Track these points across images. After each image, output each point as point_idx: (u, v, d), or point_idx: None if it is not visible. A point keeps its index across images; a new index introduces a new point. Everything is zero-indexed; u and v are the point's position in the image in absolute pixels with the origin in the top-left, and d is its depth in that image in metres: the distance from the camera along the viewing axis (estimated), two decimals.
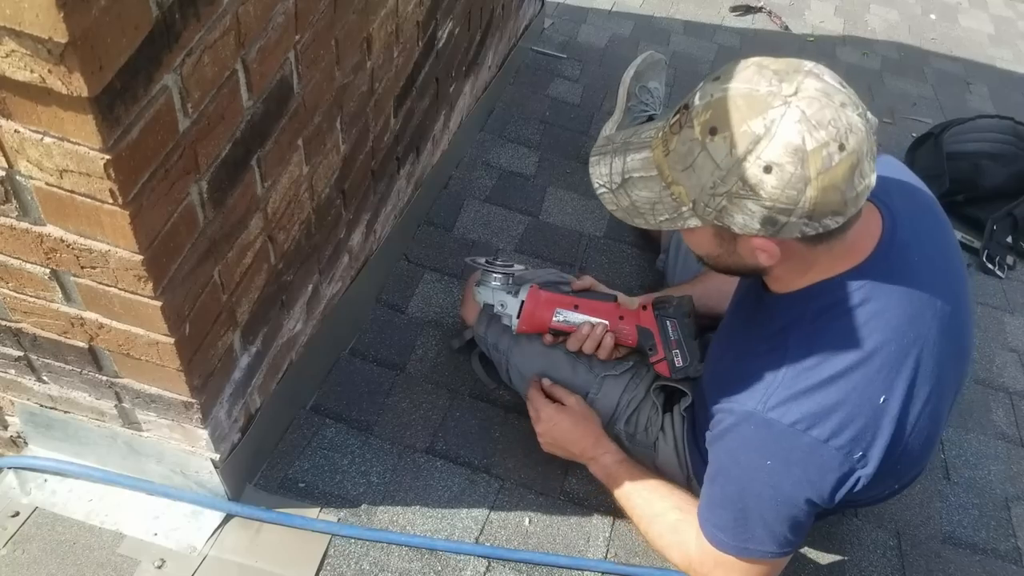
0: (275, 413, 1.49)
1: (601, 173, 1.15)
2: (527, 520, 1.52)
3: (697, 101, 1.01)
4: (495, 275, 1.59)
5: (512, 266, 1.62)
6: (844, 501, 1.13)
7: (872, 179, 0.99)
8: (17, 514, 1.37)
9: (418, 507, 1.50)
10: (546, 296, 1.55)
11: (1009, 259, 2.37)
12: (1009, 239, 2.39)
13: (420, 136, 1.89)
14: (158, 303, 1.01)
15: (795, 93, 0.95)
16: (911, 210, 1.17)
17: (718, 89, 0.99)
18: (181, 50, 0.88)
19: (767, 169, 0.95)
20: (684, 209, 1.06)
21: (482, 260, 1.62)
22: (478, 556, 1.44)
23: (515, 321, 1.56)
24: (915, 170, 1.29)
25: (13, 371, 1.26)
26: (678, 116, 1.04)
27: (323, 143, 1.35)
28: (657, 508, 1.37)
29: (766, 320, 1.19)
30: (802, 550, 1.56)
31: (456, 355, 1.78)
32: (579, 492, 1.57)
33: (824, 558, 1.56)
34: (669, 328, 1.48)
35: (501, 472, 1.57)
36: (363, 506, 1.47)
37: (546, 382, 1.55)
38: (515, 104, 2.57)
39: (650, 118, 2.15)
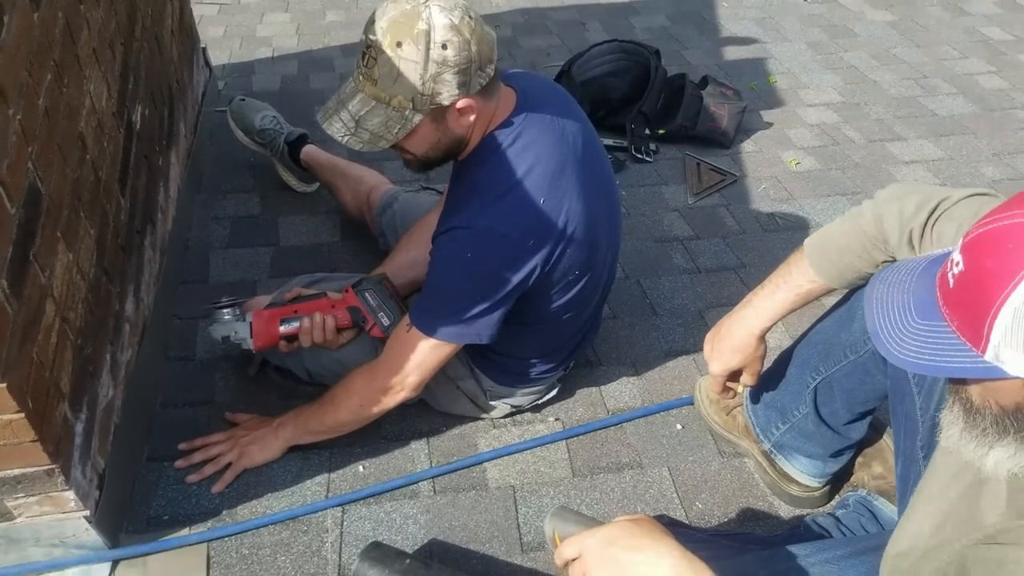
0: (119, 469, 1.70)
1: (337, 128, 1.51)
2: (361, 468, 1.84)
3: (374, 37, 1.40)
4: (224, 310, 1.88)
5: (235, 300, 1.90)
6: (541, 287, 1.58)
7: (493, 33, 1.47)
8: None
9: (270, 494, 1.77)
10: (268, 312, 1.87)
11: (652, 145, 2.97)
12: (647, 131, 3.00)
13: (150, 209, 2.13)
14: (3, 384, 1.23)
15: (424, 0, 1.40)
16: (536, 88, 1.64)
17: (381, 22, 1.40)
18: None
19: (444, 46, 1.38)
20: (407, 112, 1.45)
21: (210, 305, 1.91)
22: (332, 507, 1.74)
23: (250, 341, 1.85)
24: None
25: None
26: (365, 58, 1.43)
27: (76, 231, 1.59)
28: (348, 394, 1.73)
29: (462, 180, 1.61)
30: (567, 401, 2.00)
31: (255, 377, 2.05)
32: (393, 432, 1.91)
33: (585, 403, 2.01)
34: (369, 298, 1.84)
35: (326, 444, 1.86)
36: (223, 512, 1.73)
37: (230, 416, 1.91)
38: (221, 161, 2.84)
39: (283, 137, 2.62)
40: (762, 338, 1.55)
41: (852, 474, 1.78)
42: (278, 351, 1.90)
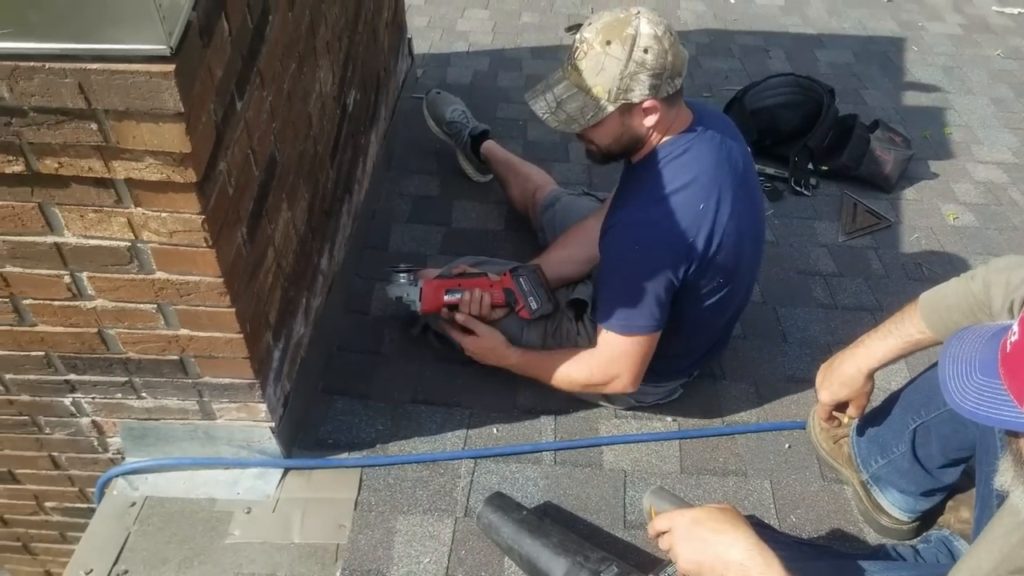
0: (299, 395, 2.03)
1: (540, 107, 1.79)
2: (495, 430, 2.10)
3: (587, 35, 1.67)
4: (400, 275, 2.17)
5: (411, 267, 2.20)
6: (687, 287, 1.78)
7: (686, 52, 1.70)
8: (134, 504, 1.88)
9: (417, 438, 2.06)
10: (436, 282, 2.15)
11: (813, 180, 3.08)
12: (809, 165, 3.10)
13: (350, 180, 2.47)
14: (233, 309, 1.56)
15: (636, 12, 1.65)
16: (709, 114, 1.87)
17: (596, 24, 1.67)
18: (225, 147, 1.45)
19: (646, 51, 1.63)
20: (603, 102, 1.70)
21: (389, 268, 2.21)
22: (466, 458, 2.02)
23: (418, 304, 2.14)
24: None
25: (120, 394, 1.78)
26: (576, 51, 1.70)
27: (296, 194, 1.92)
28: (560, 365, 1.98)
29: (633, 180, 1.84)
30: (686, 405, 2.18)
31: (416, 339, 2.35)
32: (527, 404, 2.16)
33: (703, 410, 2.19)
34: (523, 283, 2.11)
35: (469, 404, 2.14)
36: (377, 446, 2.03)
37: (460, 317, 2.11)
38: (411, 143, 3.17)
39: (467, 130, 2.89)
40: (870, 376, 1.70)
41: (942, 515, 1.89)
42: (440, 317, 2.18)
